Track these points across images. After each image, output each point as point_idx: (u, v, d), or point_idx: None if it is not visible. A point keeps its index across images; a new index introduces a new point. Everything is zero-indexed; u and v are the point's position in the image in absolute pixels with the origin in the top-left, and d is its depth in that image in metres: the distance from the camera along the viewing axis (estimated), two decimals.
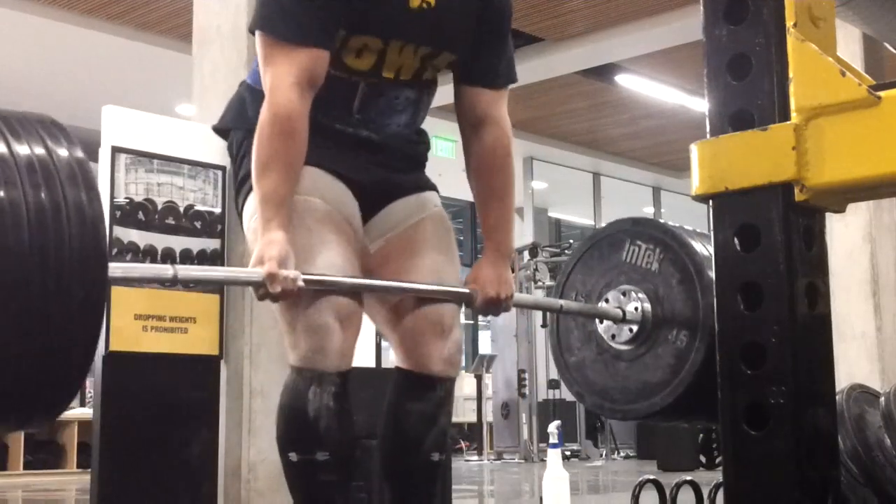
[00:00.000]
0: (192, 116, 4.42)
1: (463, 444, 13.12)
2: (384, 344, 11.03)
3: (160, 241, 3.85)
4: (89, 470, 3.89)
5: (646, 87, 11.48)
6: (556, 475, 4.22)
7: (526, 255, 11.15)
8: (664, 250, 2.36)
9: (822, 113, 1.51)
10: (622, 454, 11.82)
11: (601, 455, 11.33)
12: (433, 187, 2.35)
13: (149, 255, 3.79)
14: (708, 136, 1.62)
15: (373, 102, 2.21)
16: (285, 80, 2.05)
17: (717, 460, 8.14)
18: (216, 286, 3.90)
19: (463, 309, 2.26)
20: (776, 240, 1.53)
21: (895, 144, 1.45)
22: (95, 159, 3.61)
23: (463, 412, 13.29)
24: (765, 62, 1.57)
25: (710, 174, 1.60)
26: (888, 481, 2.56)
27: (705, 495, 2.86)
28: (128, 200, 3.80)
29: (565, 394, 10.66)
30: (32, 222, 1.50)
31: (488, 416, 11.79)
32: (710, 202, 1.62)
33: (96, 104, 4.25)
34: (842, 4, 2.22)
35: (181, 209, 3.92)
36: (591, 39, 9.96)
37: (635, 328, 2.36)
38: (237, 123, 2.28)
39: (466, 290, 2.21)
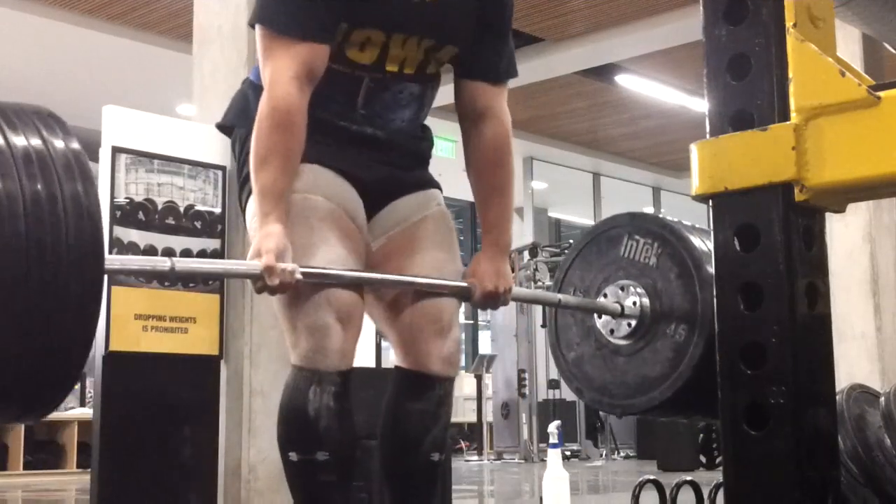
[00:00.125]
0: (193, 116, 4.42)
1: (463, 444, 13.11)
2: (384, 344, 11.03)
3: (160, 241, 3.86)
4: (89, 470, 3.90)
5: (646, 87, 11.48)
6: (556, 475, 4.22)
7: (526, 255, 11.14)
8: (662, 245, 2.35)
9: (821, 113, 1.51)
10: (622, 454, 11.81)
11: (601, 455, 11.32)
12: (436, 185, 2.35)
13: (149, 255, 3.79)
14: (708, 136, 1.62)
15: (377, 97, 2.21)
16: (284, 73, 2.05)
17: (717, 460, 8.14)
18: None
19: (462, 308, 2.25)
20: (776, 240, 1.53)
21: (895, 144, 1.45)
22: (96, 159, 3.61)
23: (463, 412, 13.28)
24: (764, 62, 1.57)
25: (710, 174, 1.60)
26: (888, 481, 2.56)
27: (705, 495, 2.86)
28: (128, 200, 3.81)
29: (565, 394, 10.67)
30: (29, 214, 1.50)
31: (488, 416, 11.78)
32: (710, 202, 1.62)
33: (96, 104, 4.26)
34: (841, 4, 2.22)
35: (181, 209, 3.93)
36: (591, 39, 9.97)
37: (634, 323, 2.36)
38: (240, 121, 2.27)
39: (465, 284, 2.21)
